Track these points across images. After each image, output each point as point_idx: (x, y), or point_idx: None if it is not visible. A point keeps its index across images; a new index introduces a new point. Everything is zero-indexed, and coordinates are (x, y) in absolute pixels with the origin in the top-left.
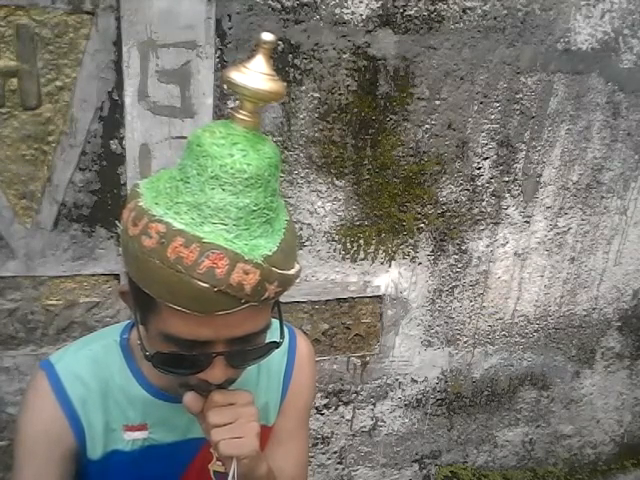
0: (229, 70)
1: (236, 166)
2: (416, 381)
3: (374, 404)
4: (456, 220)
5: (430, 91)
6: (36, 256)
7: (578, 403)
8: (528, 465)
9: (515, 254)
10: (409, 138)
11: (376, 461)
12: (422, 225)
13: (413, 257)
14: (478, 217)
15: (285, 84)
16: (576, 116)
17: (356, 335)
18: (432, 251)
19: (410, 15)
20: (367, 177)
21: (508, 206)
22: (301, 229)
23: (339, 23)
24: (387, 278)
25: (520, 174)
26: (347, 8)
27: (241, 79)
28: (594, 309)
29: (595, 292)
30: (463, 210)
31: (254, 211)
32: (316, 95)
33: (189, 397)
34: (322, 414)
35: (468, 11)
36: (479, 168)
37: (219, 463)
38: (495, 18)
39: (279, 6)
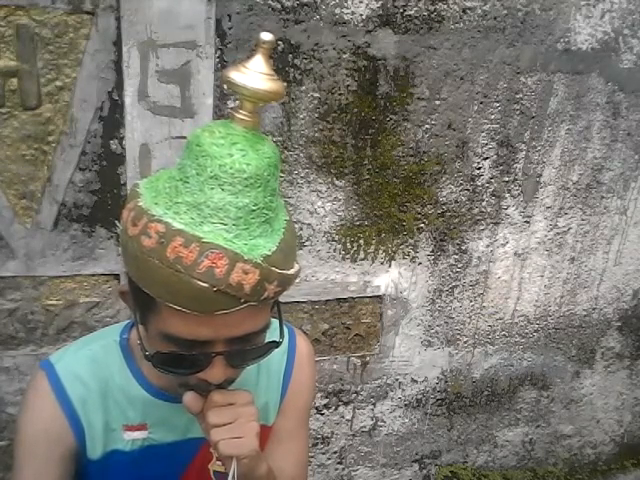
0: (229, 70)
1: (235, 166)
2: (416, 381)
3: (374, 404)
4: (456, 220)
5: (430, 91)
6: (36, 256)
7: (578, 403)
8: (528, 465)
9: (515, 254)
10: (409, 138)
11: (376, 461)
12: (422, 225)
13: (413, 257)
14: (478, 217)
15: (285, 84)
16: (576, 116)
17: (356, 335)
18: (432, 251)
19: (410, 15)
20: (367, 177)
21: (508, 206)
22: (301, 229)
23: (339, 23)
24: (387, 278)
25: (520, 174)
26: (347, 8)
27: (241, 79)
28: (594, 309)
29: (595, 292)
30: (463, 210)
31: (253, 211)
32: (316, 95)
33: (189, 397)
34: (322, 414)
35: (468, 11)
36: (479, 168)
37: (219, 463)
38: (495, 18)
39: (279, 6)
